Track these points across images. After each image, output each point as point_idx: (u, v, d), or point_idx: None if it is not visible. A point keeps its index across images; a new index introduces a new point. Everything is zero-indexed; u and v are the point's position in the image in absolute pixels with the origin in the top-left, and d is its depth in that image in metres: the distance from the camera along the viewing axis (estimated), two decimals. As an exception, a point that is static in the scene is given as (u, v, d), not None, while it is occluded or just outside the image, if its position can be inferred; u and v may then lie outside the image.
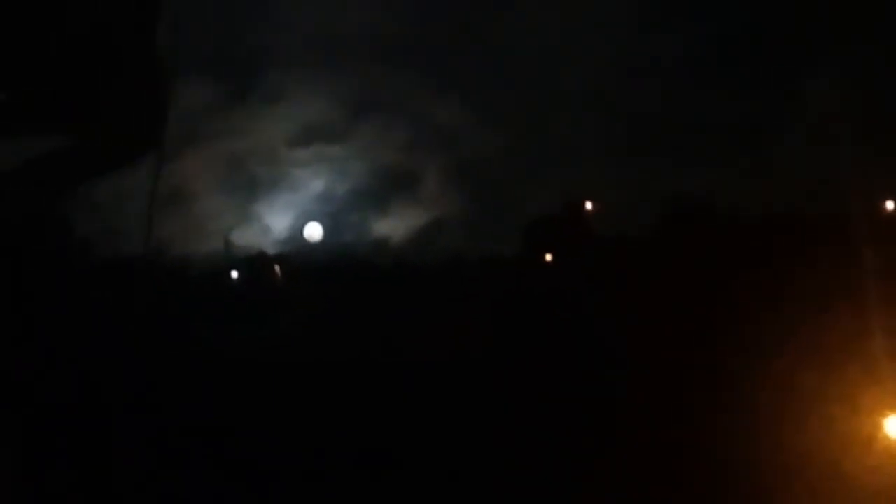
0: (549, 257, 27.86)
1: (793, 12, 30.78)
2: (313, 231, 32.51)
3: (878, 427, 19.80)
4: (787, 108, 31.73)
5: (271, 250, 31.21)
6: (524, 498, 19.83)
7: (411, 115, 35.09)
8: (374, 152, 34.85)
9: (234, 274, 29.00)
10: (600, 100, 33.96)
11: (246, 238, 32.25)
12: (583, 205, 29.72)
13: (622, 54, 34.62)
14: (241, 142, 34.25)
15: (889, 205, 26.77)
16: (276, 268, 28.99)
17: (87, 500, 16.71)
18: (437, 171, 34.52)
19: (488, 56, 36.25)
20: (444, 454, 20.59)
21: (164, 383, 19.66)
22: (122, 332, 19.00)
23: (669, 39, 33.54)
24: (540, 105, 34.02)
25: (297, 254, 31.11)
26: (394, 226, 33.68)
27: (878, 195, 26.65)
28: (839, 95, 27.71)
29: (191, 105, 31.11)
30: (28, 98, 7.83)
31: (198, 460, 19.15)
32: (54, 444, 16.90)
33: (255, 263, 29.39)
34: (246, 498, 19.40)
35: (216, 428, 20.04)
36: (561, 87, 34.34)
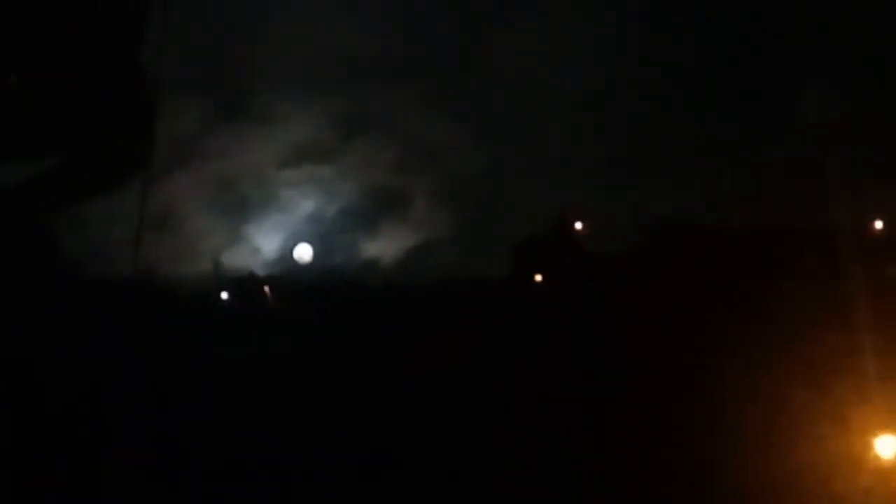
0: (539, 277, 27.87)
1: (784, 32, 30.88)
2: (303, 252, 32.49)
3: (868, 447, 19.81)
4: (777, 126, 31.80)
5: (261, 271, 31.17)
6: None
7: (401, 134, 35.13)
8: (364, 172, 34.88)
9: (224, 295, 28.94)
10: (590, 119, 34.00)
11: (236, 259, 32.23)
12: (572, 224, 29.71)
13: (612, 74, 34.63)
14: (230, 162, 34.25)
15: (879, 223, 26.80)
16: (266, 289, 28.96)
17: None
18: (427, 191, 34.56)
19: (478, 76, 36.27)
20: (435, 469, 20.59)
21: (154, 401, 19.62)
22: (112, 351, 18.98)
23: (660, 58, 33.58)
24: (529, 124, 34.08)
25: (287, 274, 31.05)
26: (384, 246, 33.70)
27: (868, 213, 26.69)
28: (830, 114, 27.77)
29: (181, 126, 31.16)
30: (19, 121, 7.81)
31: (186, 475, 19.13)
32: (43, 460, 16.85)
33: (245, 284, 29.35)
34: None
35: (206, 444, 20.02)
36: (550, 106, 34.39)
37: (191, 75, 29.84)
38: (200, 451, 20.01)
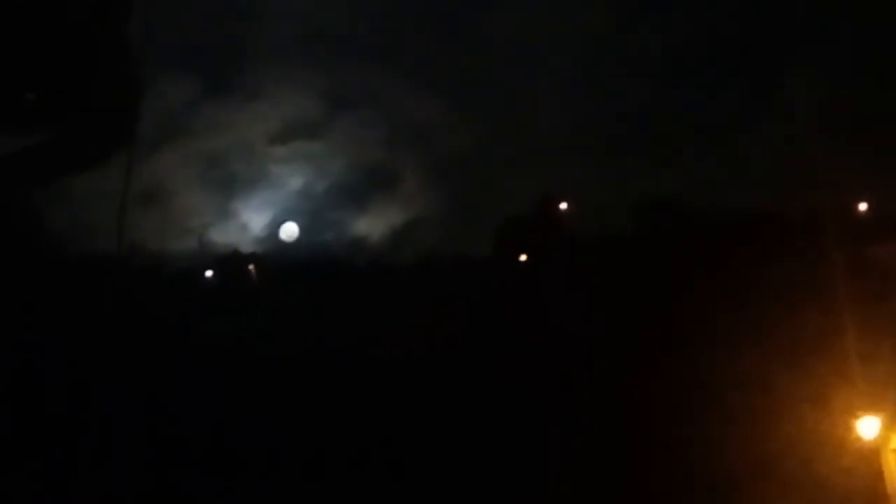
0: (523, 256, 27.87)
1: (771, 14, 30.90)
2: (289, 230, 32.39)
3: (849, 428, 19.90)
4: (761, 108, 31.85)
5: (248, 248, 31.03)
6: (492, 487, 19.96)
7: (390, 111, 35.12)
8: (352, 149, 34.84)
9: (209, 272, 28.79)
10: (577, 99, 34.03)
11: (223, 235, 32.12)
12: (556, 204, 29.70)
13: (600, 53, 34.66)
14: (219, 138, 34.18)
15: (862, 205, 26.82)
16: (251, 267, 28.83)
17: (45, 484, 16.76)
18: (415, 169, 34.54)
19: (467, 54, 36.24)
20: (416, 446, 20.68)
21: (137, 378, 19.66)
22: (95, 328, 18.97)
23: (647, 39, 33.58)
24: (517, 104, 34.07)
25: (272, 252, 30.93)
26: (371, 224, 33.69)
27: (850, 195, 26.70)
28: (813, 96, 27.79)
29: (169, 101, 31.09)
30: (1, 96, 7.81)
31: (169, 449, 19.19)
32: (22, 433, 16.90)
33: (230, 262, 29.19)
34: (215, 481, 19.46)
35: (188, 420, 20.07)
36: (538, 85, 34.40)
37: (180, 51, 29.79)
38: (184, 425, 20.08)
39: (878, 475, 20.64)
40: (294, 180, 34.65)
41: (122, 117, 8.34)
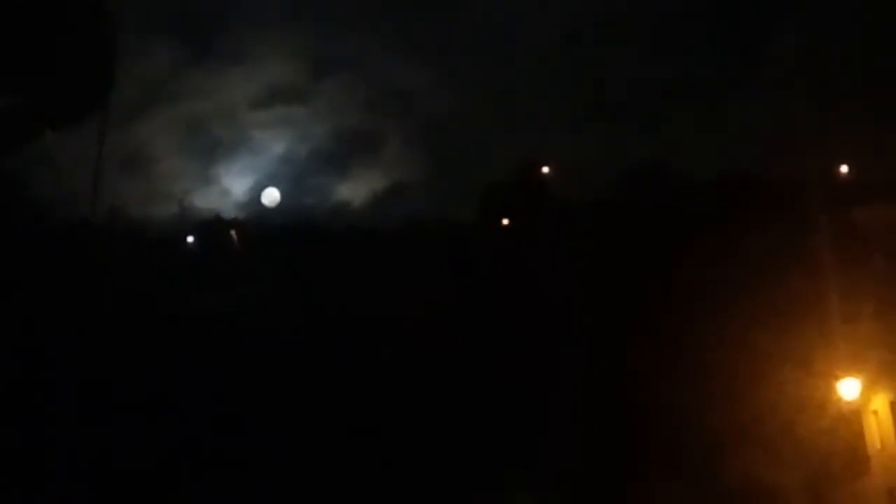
0: (505, 221, 27.88)
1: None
2: (271, 196, 32.30)
3: (831, 389, 19.99)
4: (745, 73, 31.96)
5: (230, 214, 30.96)
6: (482, 452, 20.06)
7: (372, 77, 35.20)
8: (335, 114, 34.92)
9: (191, 238, 28.70)
10: (561, 63, 34.09)
11: (204, 201, 32.02)
12: (539, 168, 29.70)
13: (583, 19, 34.71)
14: (201, 103, 34.21)
15: (844, 168, 26.85)
16: (233, 232, 28.73)
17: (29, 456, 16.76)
18: (398, 134, 34.64)
19: (451, 18, 36.31)
20: (401, 413, 20.74)
21: (117, 345, 19.62)
22: (74, 294, 18.92)
23: (631, 6, 33.66)
24: (501, 68, 34.14)
25: (255, 217, 30.87)
26: (354, 189, 33.75)
27: (833, 159, 26.74)
28: (798, 61, 27.79)
29: (151, 67, 31.06)
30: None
31: (149, 419, 19.19)
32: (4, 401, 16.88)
33: (212, 227, 29.09)
34: (202, 457, 19.45)
35: (170, 388, 20.07)
36: (522, 51, 34.50)
37: (161, 16, 29.76)
38: (164, 394, 20.06)
39: (859, 436, 20.74)
40: (276, 145, 34.66)
41: (94, 79, 8.25)
